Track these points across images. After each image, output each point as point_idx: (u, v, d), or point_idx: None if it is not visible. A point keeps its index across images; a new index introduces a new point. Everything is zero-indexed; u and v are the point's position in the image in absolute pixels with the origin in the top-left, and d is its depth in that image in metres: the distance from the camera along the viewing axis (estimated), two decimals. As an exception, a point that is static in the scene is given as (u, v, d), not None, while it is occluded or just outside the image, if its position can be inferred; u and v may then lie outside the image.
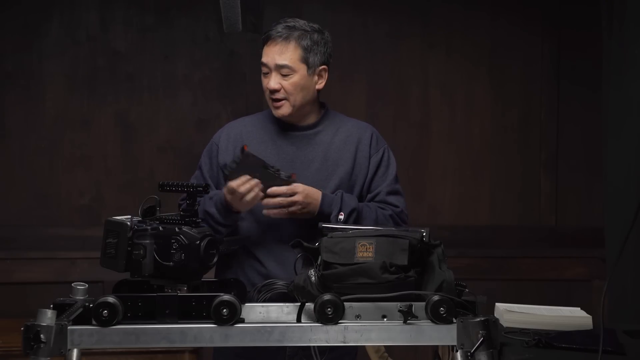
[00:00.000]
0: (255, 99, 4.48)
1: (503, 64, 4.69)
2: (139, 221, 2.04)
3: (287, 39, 2.61)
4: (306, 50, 2.63)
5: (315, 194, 2.56)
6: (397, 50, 4.67)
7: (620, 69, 3.30)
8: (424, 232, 2.10)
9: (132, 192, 4.52)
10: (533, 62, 4.69)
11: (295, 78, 2.62)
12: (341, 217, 2.54)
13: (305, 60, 2.63)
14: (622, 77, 3.28)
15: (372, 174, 2.70)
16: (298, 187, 2.53)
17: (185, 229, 2.02)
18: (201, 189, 2.10)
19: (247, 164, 2.49)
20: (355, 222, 2.55)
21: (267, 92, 2.65)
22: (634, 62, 3.19)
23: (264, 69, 2.64)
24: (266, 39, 2.64)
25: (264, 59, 2.63)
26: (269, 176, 2.50)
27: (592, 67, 4.24)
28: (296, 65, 2.62)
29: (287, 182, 2.51)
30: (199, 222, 2.08)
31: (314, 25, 2.67)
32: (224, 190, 2.53)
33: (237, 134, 2.73)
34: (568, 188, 4.71)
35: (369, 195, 2.69)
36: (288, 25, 2.64)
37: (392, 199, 2.70)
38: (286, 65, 2.61)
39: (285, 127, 2.71)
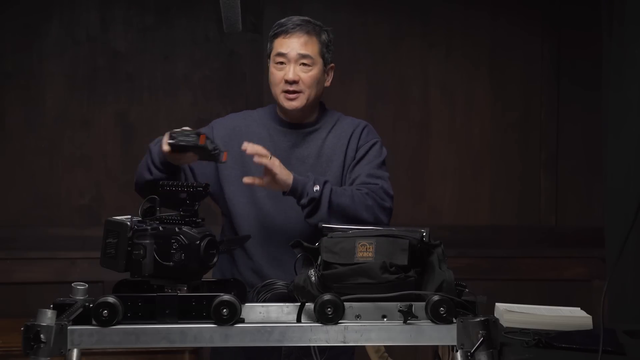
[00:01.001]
0: (255, 99, 4.49)
1: (503, 64, 4.69)
2: (139, 221, 2.03)
3: (307, 31, 2.62)
4: (323, 46, 2.66)
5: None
6: (397, 50, 4.67)
7: (620, 69, 3.30)
8: (424, 232, 2.10)
9: (132, 192, 4.47)
10: (533, 62, 4.69)
11: (314, 71, 2.63)
12: (317, 187, 2.51)
13: (322, 55, 2.65)
14: (622, 77, 3.28)
15: (356, 162, 2.68)
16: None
17: (185, 229, 2.02)
18: (201, 189, 2.10)
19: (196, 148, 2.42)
20: (331, 198, 2.50)
21: (281, 84, 2.63)
22: (634, 62, 3.19)
23: (280, 59, 2.62)
24: (281, 32, 2.63)
25: (283, 50, 2.61)
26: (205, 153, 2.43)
27: (592, 67, 4.24)
28: (316, 58, 2.63)
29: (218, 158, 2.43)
30: (199, 222, 2.08)
31: (322, 24, 2.69)
32: (164, 148, 2.47)
33: (236, 126, 2.73)
34: (568, 188, 4.71)
35: (349, 180, 2.65)
36: (305, 19, 2.65)
37: (370, 180, 2.63)
38: (309, 56, 2.61)
39: (283, 124, 2.72)
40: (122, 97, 4.58)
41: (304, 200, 2.51)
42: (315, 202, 2.50)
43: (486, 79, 4.70)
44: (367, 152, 2.69)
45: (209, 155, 2.42)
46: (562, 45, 4.68)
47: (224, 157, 2.43)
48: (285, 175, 2.49)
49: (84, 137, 4.56)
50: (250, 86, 4.57)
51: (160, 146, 2.52)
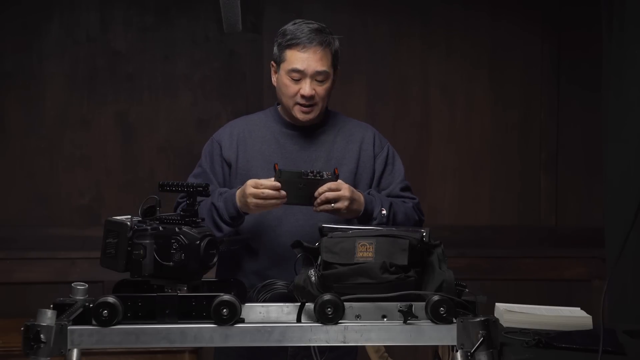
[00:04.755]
0: (255, 99, 4.49)
1: (503, 64, 4.69)
2: (139, 221, 2.04)
3: (322, 44, 2.60)
4: (334, 56, 2.65)
5: (358, 193, 2.54)
6: (397, 50, 4.67)
7: (620, 70, 3.29)
8: (424, 232, 2.10)
9: (132, 192, 4.52)
10: (533, 62, 4.69)
11: (328, 83, 2.64)
12: (384, 212, 2.55)
13: (334, 65, 2.65)
14: (622, 78, 3.28)
15: (380, 173, 2.72)
16: (343, 184, 2.49)
17: (185, 229, 2.02)
18: (201, 189, 2.10)
19: (287, 180, 2.45)
20: (394, 219, 2.58)
21: (296, 97, 2.62)
22: (634, 62, 3.19)
23: (295, 75, 2.60)
24: (295, 44, 2.59)
25: (299, 66, 2.59)
26: (313, 182, 2.45)
27: (592, 67, 4.24)
28: (330, 71, 2.63)
29: (333, 179, 2.47)
30: (199, 222, 2.08)
31: (327, 28, 2.68)
32: (249, 190, 2.47)
33: (240, 132, 2.72)
34: (568, 188, 4.71)
35: (384, 193, 2.70)
36: (316, 29, 2.62)
37: (406, 194, 2.73)
38: (325, 72, 2.61)
39: (288, 126, 2.71)
40: (122, 97, 4.58)
41: (372, 224, 2.53)
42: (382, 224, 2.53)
43: (486, 79, 4.70)
44: (385, 162, 2.74)
45: (314, 181, 2.46)
46: (562, 45, 4.68)
47: (335, 170, 2.49)
48: (354, 213, 2.51)
49: (84, 137, 4.56)
50: (250, 86, 4.57)
51: (234, 200, 2.51)
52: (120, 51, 4.57)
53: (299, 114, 2.64)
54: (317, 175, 2.46)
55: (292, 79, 2.61)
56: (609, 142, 3.42)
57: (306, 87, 2.60)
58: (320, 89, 2.62)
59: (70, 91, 4.55)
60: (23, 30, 4.50)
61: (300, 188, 2.45)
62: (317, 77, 2.60)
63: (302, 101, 2.61)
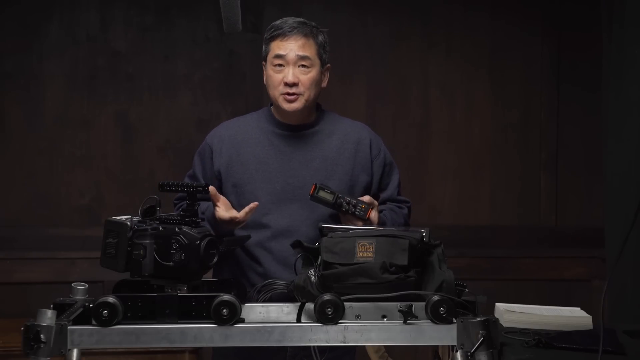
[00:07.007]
0: (255, 99, 4.48)
1: (503, 64, 4.69)
2: (139, 221, 2.04)
3: (304, 33, 2.62)
4: (320, 47, 2.66)
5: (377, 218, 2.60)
6: (397, 50, 4.67)
7: (620, 70, 3.29)
8: (424, 232, 2.10)
9: (132, 192, 4.52)
10: (533, 62, 4.69)
11: (313, 73, 2.63)
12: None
13: (320, 57, 2.65)
14: (622, 77, 3.28)
15: (380, 175, 2.73)
16: (372, 221, 2.57)
17: (185, 229, 2.02)
18: (201, 189, 2.10)
19: (318, 197, 2.53)
20: None
21: (280, 87, 2.62)
22: (634, 63, 3.19)
23: (278, 61, 2.61)
24: (278, 35, 2.62)
25: (281, 51, 2.61)
26: (341, 211, 2.54)
27: (591, 67, 4.24)
28: (315, 60, 2.63)
29: (362, 217, 2.53)
30: (199, 222, 2.08)
31: (313, 23, 2.69)
32: (223, 215, 2.52)
33: (232, 135, 2.71)
34: (568, 188, 4.71)
35: (383, 196, 2.73)
36: (301, 21, 2.65)
37: (402, 198, 2.78)
38: (308, 57, 2.61)
39: (281, 126, 2.70)
40: (122, 97, 4.58)
41: None
42: None
43: (486, 79, 4.70)
44: (384, 163, 2.74)
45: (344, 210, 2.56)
46: (562, 46, 4.68)
47: (368, 214, 2.56)
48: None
49: (84, 137, 4.56)
50: (250, 86, 4.57)
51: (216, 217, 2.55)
52: (120, 51, 4.57)
53: (283, 103, 2.63)
54: (350, 208, 2.53)
55: (276, 66, 2.62)
56: (608, 142, 3.42)
57: (289, 74, 2.60)
58: (305, 78, 2.61)
59: (70, 91, 4.55)
60: (23, 30, 4.51)
61: (326, 205, 2.55)
62: (300, 63, 2.60)
63: (286, 89, 2.61)
